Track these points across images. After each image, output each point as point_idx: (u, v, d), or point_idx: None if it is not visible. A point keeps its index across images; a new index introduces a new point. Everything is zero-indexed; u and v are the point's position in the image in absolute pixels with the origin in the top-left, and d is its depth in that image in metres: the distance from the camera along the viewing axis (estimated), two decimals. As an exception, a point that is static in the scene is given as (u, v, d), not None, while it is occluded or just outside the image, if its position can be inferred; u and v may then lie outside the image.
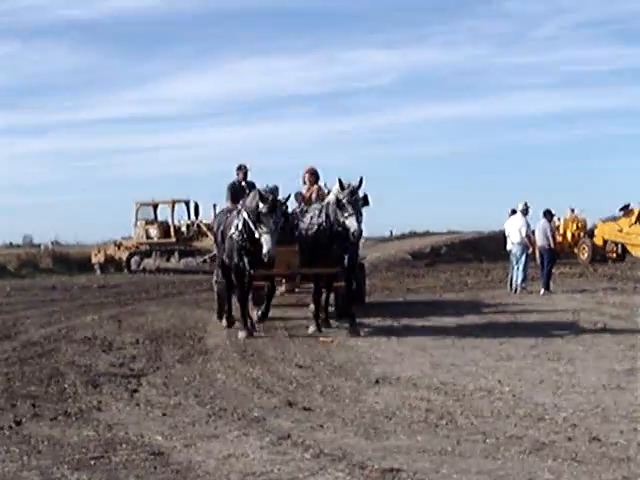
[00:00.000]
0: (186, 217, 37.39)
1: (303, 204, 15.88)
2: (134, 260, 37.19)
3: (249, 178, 15.95)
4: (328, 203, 14.16)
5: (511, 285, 21.96)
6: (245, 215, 13.66)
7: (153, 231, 37.16)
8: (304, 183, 16.58)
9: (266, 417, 8.23)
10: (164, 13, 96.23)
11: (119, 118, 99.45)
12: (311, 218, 14.59)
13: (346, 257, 14.20)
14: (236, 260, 14.06)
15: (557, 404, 8.57)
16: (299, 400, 8.98)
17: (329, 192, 14.46)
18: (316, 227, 14.34)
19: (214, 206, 32.84)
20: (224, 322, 15.35)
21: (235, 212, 14.40)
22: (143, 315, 17.77)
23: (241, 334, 13.89)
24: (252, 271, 13.89)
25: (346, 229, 13.54)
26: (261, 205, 13.27)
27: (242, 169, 16.08)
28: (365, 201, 13.97)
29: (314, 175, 16.53)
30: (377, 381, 9.95)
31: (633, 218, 36.11)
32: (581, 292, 21.37)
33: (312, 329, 14.31)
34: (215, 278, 16.36)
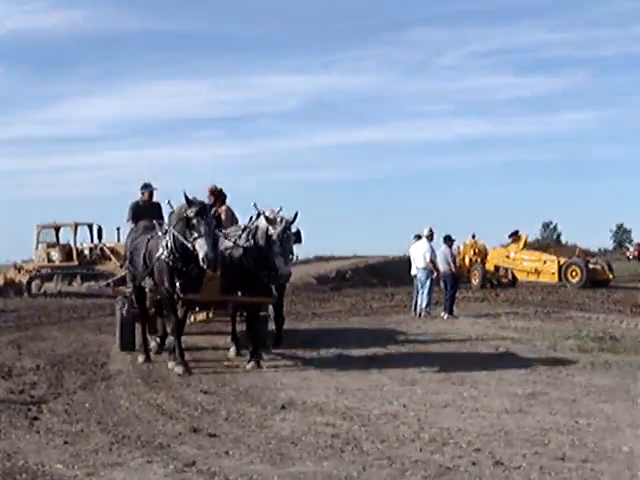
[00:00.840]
0: (89, 240, 36.83)
1: None
2: (35, 284, 36.35)
3: (155, 199, 15.41)
4: (257, 227, 13.06)
5: (415, 309, 22.16)
6: (174, 231, 12.47)
7: (55, 254, 36.43)
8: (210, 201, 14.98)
9: (170, 444, 8.12)
10: (71, 34, 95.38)
11: (21, 139, 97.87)
12: (234, 241, 13.43)
13: (273, 287, 13.40)
14: (167, 284, 12.70)
15: (461, 428, 8.66)
16: (204, 426, 8.88)
17: (259, 214, 13.15)
18: (242, 251, 13.20)
19: (118, 229, 32.52)
20: (140, 358, 13.84)
21: (160, 232, 13.15)
22: (44, 340, 17.36)
23: (175, 367, 12.59)
24: (182, 295, 12.61)
25: (274, 266, 12.66)
26: (189, 210, 12.16)
27: (148, 188, 15.48)
28: (298, 238, 13.27)
29: (219, 195, 15.50)
30: (283, 407, 9.92)
31: (521, 244, 37.45)
32: (484, 317, 21.66)
33: (251, 365, 13.02)
34: (120, 305, 15.31)
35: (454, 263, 22.64)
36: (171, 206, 13.03)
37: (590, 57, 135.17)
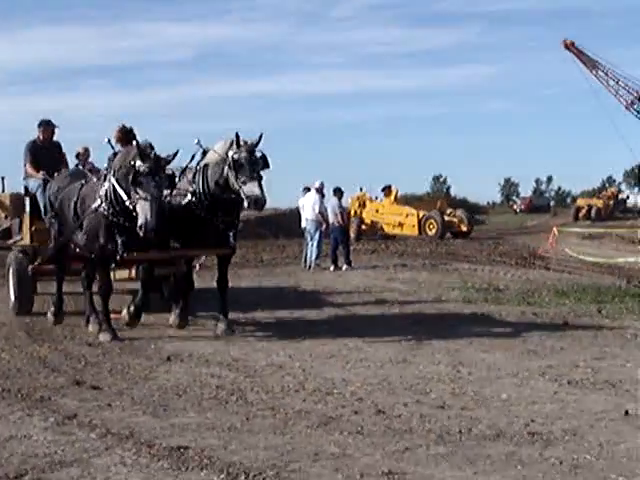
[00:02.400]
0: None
1: None
2: None
3: (56, 138, 13.72)
4: (206, 165, 11.49)
5: (305, 261, 22.26)
6: (114, 180, 10.83)
7: None
8: (118, 143, 12.40)
9: (52, 397, 8.01)
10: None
11: None
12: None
13: (231, 234, 11.80)
14: (102, 241, 11.01)
15: (345, 378, 8.75)
16: (87, 379, 8.79)
17: (204, 152, 11.65)
18: (190, 196, 11.54)
19: (2, 179, 31.59)
20: (50, 316, 12.56)
21: (95, 179, 11.55)
22: None
23: (105, 336, 11.08)
24: (125, 255, 10.98)
25: (240, 197, 11.03)
26: (139, 163, 10.41)
27: (49, 125, 13.53)
28: (265, 163, 11.34)
29: (129, 134, 12.62)
30: (169, 358, 9.87)
31: (392, 198, 38.61)
32: (373, 268, 21.90)
33: (174, 320, 12.04)
34: (17, 261, 13.53)
35: (342, 215, 22.71)
36: (112, 146, 11.49)
37: (481, 12, 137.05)
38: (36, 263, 13.17)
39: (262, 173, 11.23)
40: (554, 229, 20.46)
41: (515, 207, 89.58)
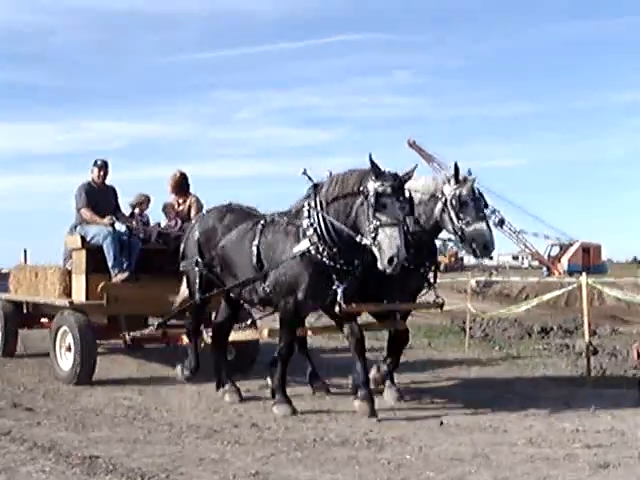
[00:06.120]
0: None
1: (179, 220, 10.10)
2: None
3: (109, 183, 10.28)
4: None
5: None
6: (327, 215, 7.13)
7: None
8: (172, 193, 10.33)
9: (-8, 418, 7.63)
10: None
11: None
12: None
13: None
14: (302, 296, 7.27)
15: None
16: (23, 402, 8.38)
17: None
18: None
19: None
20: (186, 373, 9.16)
21: (283, 218, 7.61)
22: None
23: (281, 409, 7.71)
24: (345, 306, 7.20)
25: (461, 240, 7.47)
26: (377, 185, 6.66)
27: (105, 167, 10.04)
28: (485, 202, 7.69)
29: (183, 183, 10.24)
30: (92, 384, 9.52)
31: None
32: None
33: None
34: (77, 322, 9.38)
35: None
36: (310, 178, 7.55)
37: (349, 117, 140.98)
38: (149, 329, 9.84)
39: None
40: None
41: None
